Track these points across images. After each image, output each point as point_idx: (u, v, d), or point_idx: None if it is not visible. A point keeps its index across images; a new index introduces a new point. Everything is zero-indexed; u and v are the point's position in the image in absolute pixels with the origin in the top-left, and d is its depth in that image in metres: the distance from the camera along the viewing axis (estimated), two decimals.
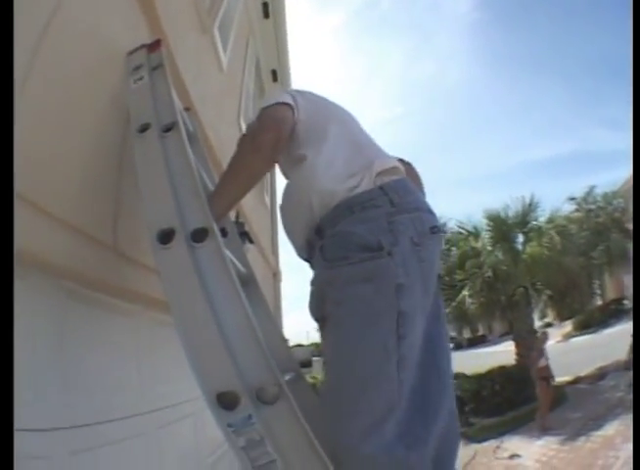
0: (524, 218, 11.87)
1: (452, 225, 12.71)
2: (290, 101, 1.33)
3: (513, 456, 6.56)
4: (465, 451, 6.98)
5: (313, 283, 1.20)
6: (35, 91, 1.05)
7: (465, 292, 11.36)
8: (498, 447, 7.19)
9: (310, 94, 1.46)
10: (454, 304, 11.42)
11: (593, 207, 14.57)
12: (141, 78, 1.44)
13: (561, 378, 9.82)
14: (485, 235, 12.26)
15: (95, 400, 1.47)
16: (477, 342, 30.11)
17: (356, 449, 0.96)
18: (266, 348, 1.00)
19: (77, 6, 1.27)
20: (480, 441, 7.71)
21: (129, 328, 1.81)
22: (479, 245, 12.06)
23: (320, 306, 1.14)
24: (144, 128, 1.29)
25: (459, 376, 10.36)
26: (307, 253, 1.31)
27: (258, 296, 1.50)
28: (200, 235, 1.10)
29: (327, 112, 1.41)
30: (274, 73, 6.04)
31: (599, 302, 17.81)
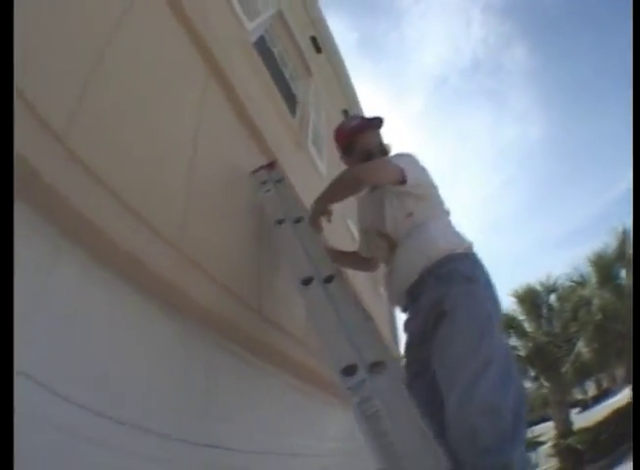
0: (621, 251, 11.51)
1: (562, 281, 12.63)
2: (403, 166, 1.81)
3: None
4: None
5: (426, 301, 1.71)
6: (202, 199, 1.67)
7: (579, 342, 11.08)
8: None
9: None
10: (571, 358, 11.11)
11: None
12: (269, 190, 2.04)
13: None
14: (592, 280, 11.99)
15: (229, 428, 1.77)
16: (601, 396, 27.47)
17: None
18: (375, 334, 1.42)
19: (212, 141, 1.90)
20: None
21: (266, 379, 2.11)
22: (586, 292, 11.81)
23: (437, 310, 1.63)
24: (280, 221, 1.85)
25: (580, 431, 10.04)
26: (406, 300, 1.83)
27: None
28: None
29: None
30: None
31: None
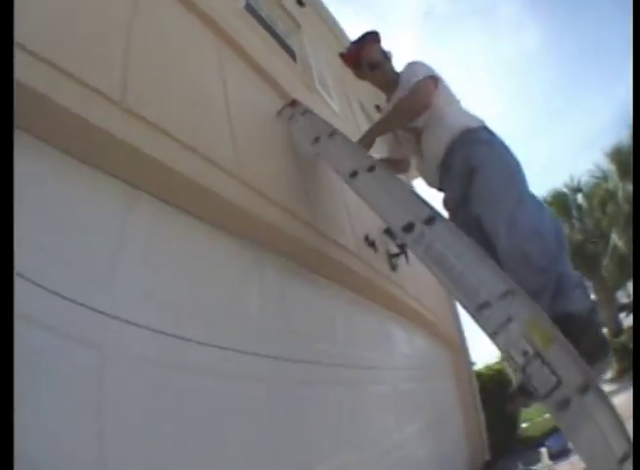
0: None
1: (586, 180, 12.58)
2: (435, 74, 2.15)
3: None
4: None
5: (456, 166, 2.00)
6: (244, 135, 1.99)
7: (613, 235, 11.11)
8: None
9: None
10: (609, 252, 11.17)
11: None
12: (297, 121, 2.34)
13: None
14: (614, 175, 11.81)
15: (309, 345, 1.99)
16: None
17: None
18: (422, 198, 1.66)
19: (238, 91, 2.16)
20: None
21: (332, 298, 2.37)
22: (610, 185, 11.79)
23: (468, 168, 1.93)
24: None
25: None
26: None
27: None
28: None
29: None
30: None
31: None
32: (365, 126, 5.23)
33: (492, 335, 1.31)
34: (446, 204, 2.17)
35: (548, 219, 1.84)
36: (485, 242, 1.75)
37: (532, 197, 1.89)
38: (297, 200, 2.11)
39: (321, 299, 2.32)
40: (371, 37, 2.40)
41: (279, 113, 2.48)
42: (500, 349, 1.31)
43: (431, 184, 2.28)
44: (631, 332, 9.85)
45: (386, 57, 2.37)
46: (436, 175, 2.16)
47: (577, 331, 1.53)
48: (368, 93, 6.24)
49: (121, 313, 1.19)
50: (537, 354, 1.22)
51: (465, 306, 1.41)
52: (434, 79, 2.12)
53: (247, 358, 1.61)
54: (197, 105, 1.72)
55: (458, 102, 2.23)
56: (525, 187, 1.90)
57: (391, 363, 3.06)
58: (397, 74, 2.32)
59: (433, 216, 1.55)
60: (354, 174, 1.85)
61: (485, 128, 2.06)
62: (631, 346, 9.30)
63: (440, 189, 2.22)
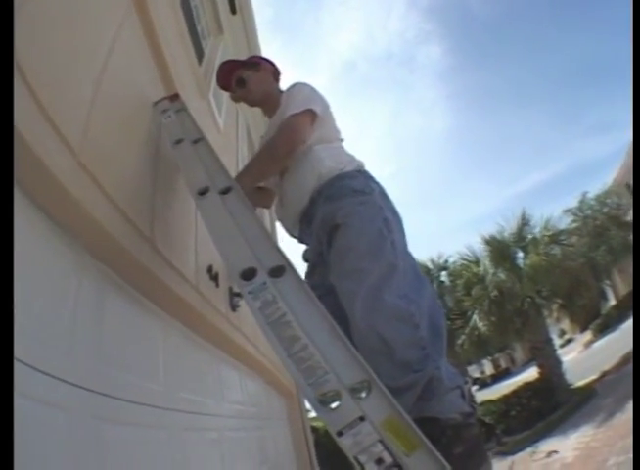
0: (519, 234, 12.24)
1: (455, 260, 13.15)
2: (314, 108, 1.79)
3: (550, 454, 6.66)
4: (501, 466, 7.05)
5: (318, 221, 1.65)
6: (104, 112, 1.53)
7: (475, 316, 11.62)
8: (534, 452, 7.28)
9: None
10: (467, 331, 11.61)
11: (589, 212, 14.75)
12: (169, 116, 1.96)
13: (587, 379, 9.95)
14: (486, 260, 12.56)
15: (126, 379, 1.61)
16: (501, 376, 29.32)
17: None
18: (273, 242, 1.32)
19: (123, 66, 1.78)
20: (514, 453, 7.78)
21: (159, 328, 1.99)
22: (481, 270, 12.38)
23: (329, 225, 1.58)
24: (178, 141, 1.76)
25: (485, 403, 10.47)
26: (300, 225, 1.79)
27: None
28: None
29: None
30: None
31: (613, 301, 17.75)
32: (244, 153, 5.14)
33: (338, 435, 0.95)
34: (305, 255, 1.81)
35: (426, 299, 1.46)
36: (341, 315, 1.40)
37: (411, 267, 1.53)
38: (139, 206, 1.69)
39: (147, 326, 1.90)
40: (249, 60, 2.23)
41: (155, 104, 2.10)
42: (347, 453, 0.94)
43: (289, 232, 1.92)
44: (486, 406, 10.31)
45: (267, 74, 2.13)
46: (296, 225, 1.81)
47: (447, 436, 1.23)
48: (259, 122, 6.11)
49: None
50: (395, 464, 0.90)
51: (305, 393, 1.04)
52: (311, 114, 1.76)
53: (50, 381, 1.20)
54: (66, 58, 1.34)
55: (338, 140, 1.88)
56: (402, 253, 1.53)
57: (221, 410, 2.70)
58: (280, 94, 1.99)
59: (282, 267, 1.20)
60: (204, 192, 1.48)
61: (362, 173, 1.72)
62: (487, 420, 9.74)
63: (302, 241, 1.86)
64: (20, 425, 1.02)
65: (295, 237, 1.88)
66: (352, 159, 1.78)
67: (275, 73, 2.18)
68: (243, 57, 4.79)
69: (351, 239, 1.49)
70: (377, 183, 1.71)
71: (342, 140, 1.90)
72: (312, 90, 1.88)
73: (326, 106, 1.87)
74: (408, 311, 1.36)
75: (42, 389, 1.16)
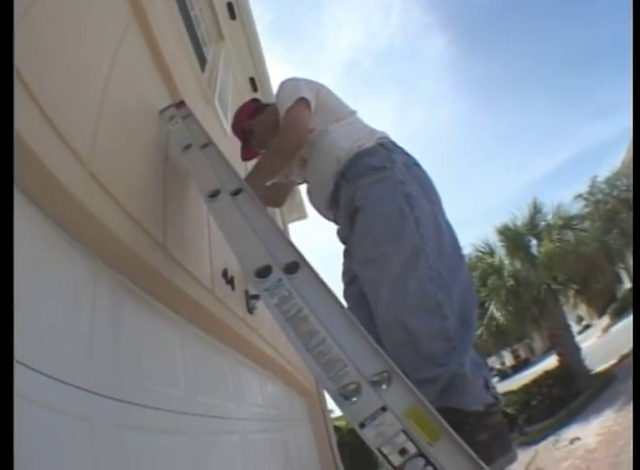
0: (532, 222, 12.10)
1: (470, 252, 13.04)
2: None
3: (573, 440, 6.58)
4: (525, 456, 6.99)
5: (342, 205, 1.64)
6: (111, 122, 1.55)
7: (492, 306, 11.52)
8: (557, 440, 7.21)
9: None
10: (485, 322, 11.51)
11: (600, 196, 14.49)
12: (176, 123, 1.99)
13: (607, 364, 9.83)
14: (500, 250, 12.45)
15: (146, 385, 1.61)
16: (520, 366, 29.00)
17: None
18: (287, 239, 1.32)
19: (127, 76, 1.81)
20: (537, 442, 7.72)
21: (177, 334, 2.00)
22: (496, 260, 12.26)
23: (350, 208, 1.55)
24: (187, 146, 1.79)
25: (506, 394, 10.38)
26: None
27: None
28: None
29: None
30: None
31: (628, 284, 17.50)
32: None
33: (360, 427, 0.94)
34: (338, 235, 1.79)
35: (460, 285, 1.37)
36: (367, 303, 1.39)
37: (451, 244, 1.44)
38: (151, 213, 1.71)
39: (163, 332, 1.90)
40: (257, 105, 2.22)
41: (161, 112, 2.12)
42: (370, 445, 0.93)
43: (328, 219, 1.89)
44: (507, 397, 10.23)
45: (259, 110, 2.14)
46: (329, 210, 1.79)
47: (471, 424, 1.21)
48: None
49: None
50: (420, 454, 0.89)
51: (326, 387, 1.04)
52: (304, 101, 1.74)
53: (70, 391, 1.19)
54: (72, 72, 1.36)
55: (351, 114, 1.84)
56: (435, 228, 1.42)
57: (242, 413, 2.71)
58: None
59: (296, 263, 1.20)
60: (215, 194, 1.49)
61: (384, 146, 1.63)
62: (509, 410, 9.66)
63: (336, 221, 1.81)
64: (43, 438, 1.03)
65: (335, 223, 1.84)
66: (371, 132, 1.73)
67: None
68: (243, 62, 4.83)
69: (370, 222, 1.44)
70: (401, 153, 1.64)
71: (353, 113, 1.85)
72: (295, 81, 1.87)
73: (318, 88, 1.84)
74: (436, 301, 1.30)
75: (62, 399, 1.16)
